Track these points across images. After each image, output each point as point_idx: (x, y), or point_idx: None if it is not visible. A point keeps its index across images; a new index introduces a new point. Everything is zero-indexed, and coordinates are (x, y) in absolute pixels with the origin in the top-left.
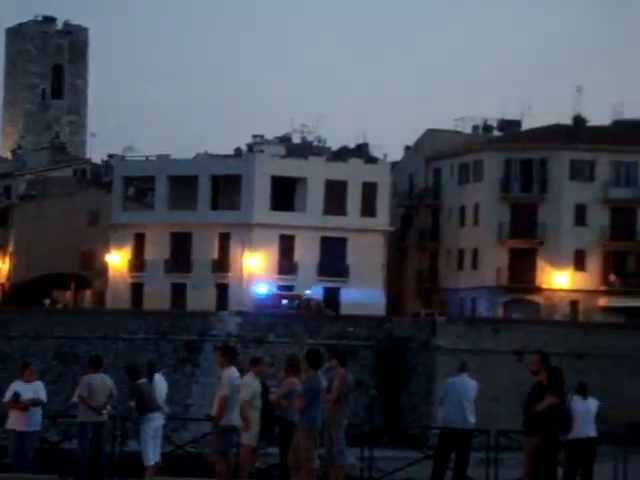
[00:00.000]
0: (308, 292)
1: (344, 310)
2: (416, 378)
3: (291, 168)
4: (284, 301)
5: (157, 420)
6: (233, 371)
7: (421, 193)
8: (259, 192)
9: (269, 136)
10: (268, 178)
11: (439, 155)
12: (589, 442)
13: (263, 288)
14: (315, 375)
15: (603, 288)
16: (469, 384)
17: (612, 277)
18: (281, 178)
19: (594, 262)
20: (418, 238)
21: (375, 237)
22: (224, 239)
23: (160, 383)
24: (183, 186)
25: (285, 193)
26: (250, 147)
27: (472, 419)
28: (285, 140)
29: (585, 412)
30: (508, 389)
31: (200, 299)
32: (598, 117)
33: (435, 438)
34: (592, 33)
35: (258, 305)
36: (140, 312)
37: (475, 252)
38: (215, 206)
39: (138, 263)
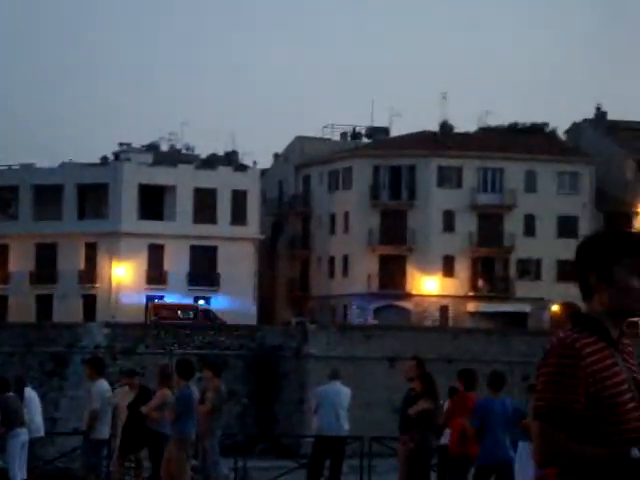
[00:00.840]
0: (202, 303)
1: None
2: (288, 386)
3: (159, 176)
4: (178, 312)
5: (24, 435)
6: (103, 384)
7: (291, 201)
8: (126, 201)
9: (136, 144)
10: (136, 187)
11: (308, 162)
12: None
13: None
14: (186, 386)
15: (472, 293)
16: (342, 391)
17: (480, 282)
18: (149, 186)
19: (463, 268)
20: (289, 246)
21: (245, 245)
22: (91, 249)
23: (33, 398)
24: (48, 196)
25: (153, 202)
26: (117, 155)
27: (346, 426)
28: (153, 148)
29: None
30: (380, 396)
31: (67, 311)
32: (464, 124)
33: (308, 446)
34: (456, 38)
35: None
36: (4, 325)
37: (345, 259)
38: (81, 216)
39: (2, 275)
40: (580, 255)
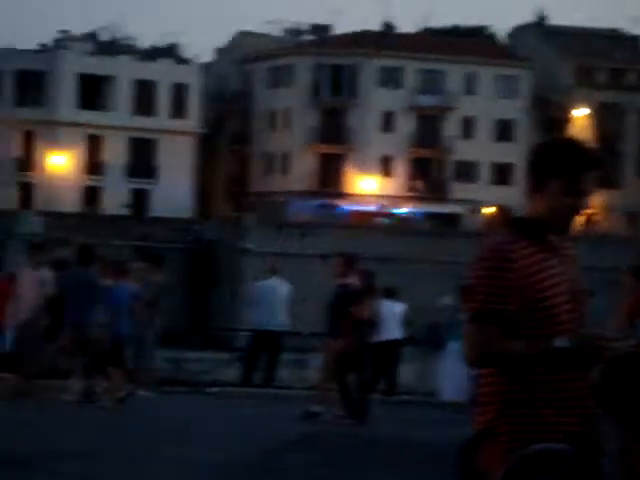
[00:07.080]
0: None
1: (153, 212)
2: (224, 281)
3: (99, 66)
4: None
5: None
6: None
7: (232, 96)
8: (65, 90)
9: (76, 32)
10: (75, 75)
11: (250, 58)
12: (394, 344)
13: None
14: (84, 270)
15: (408, 194)
16: (281, 287)
17: (417, 183)
18: (89, 76)
19: (400, 168)
20: (229, 141)
21: (185, 139)
22: (28, 137)
23: None
24: None
25: (93, 92)
26: (57, 43)
27: (285, 321)
28: (92, 37)
29: (392, 315)
30: (314, 292)
31: (3, 198)
32: (406, 25)
33: (242, 340)
34: None
35: None
36: None
37: (285, 157)
38: (20, 102)
39: None
40: (542, 158)
